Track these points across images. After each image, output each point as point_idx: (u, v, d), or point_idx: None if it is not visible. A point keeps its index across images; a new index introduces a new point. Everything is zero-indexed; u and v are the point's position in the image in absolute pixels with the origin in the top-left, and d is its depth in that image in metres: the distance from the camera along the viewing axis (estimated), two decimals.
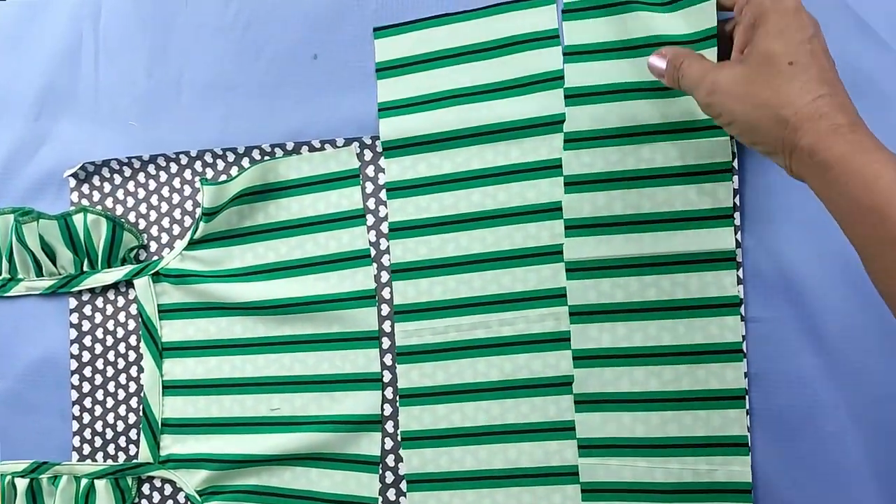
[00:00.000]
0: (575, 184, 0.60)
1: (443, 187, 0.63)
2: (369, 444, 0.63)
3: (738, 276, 0.57)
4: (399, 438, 0.63)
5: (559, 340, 0.60)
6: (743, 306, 0.58)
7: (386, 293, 0.64)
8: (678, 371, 0.58)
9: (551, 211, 0.61)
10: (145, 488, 0.68)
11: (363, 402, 0.64)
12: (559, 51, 0.61)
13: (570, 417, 0.60)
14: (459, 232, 0.62)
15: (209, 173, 0.68)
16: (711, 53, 0.56)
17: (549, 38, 0.61)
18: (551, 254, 0.61)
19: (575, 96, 0.60)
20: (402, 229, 0.64)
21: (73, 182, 0.71)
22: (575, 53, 0.61)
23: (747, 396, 0.57)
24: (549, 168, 0.61)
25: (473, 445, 0.62)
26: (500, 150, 0.62)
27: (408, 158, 0.64)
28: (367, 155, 0.65)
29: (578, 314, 0.60)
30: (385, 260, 0.64)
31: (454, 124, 0.62)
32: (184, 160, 0.69)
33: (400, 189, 0.64)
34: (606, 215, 0.60)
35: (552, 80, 0.61)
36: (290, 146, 0.66)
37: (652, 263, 0.59)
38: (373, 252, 0.64)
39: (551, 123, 0.61)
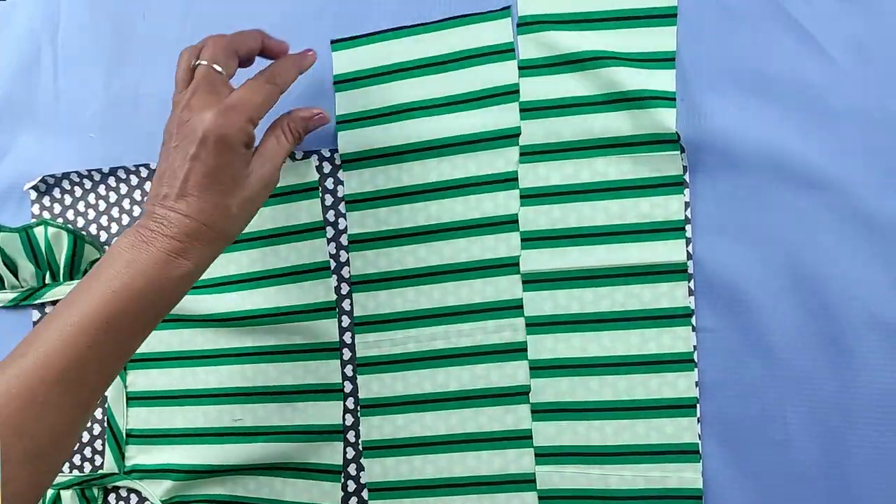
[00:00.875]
0: (530, 196, 0.61)
1: (401, 199, 0.63)
2: (331, 453, 0.64)
3: (689, 287, 0.59)
4: (360, 448, 0.64)
5: (516, 351, 0.61)
6: (694, 317, 0.59)
7: (346, 304, 0.65)
8: (632, 381, 0.59)
9: (508, 223, 0.62)
10: (111, 498, 0.68)
11: (325, 413, 0.64)
12: (515, 65, 0.62)
13: (527, 426, 0.61)
14: (418, 244, 0.63)
15: None
16: (669, 75, 0.57)
17: (504, 51, 0.62)
18: (508, 265, 0.62)
19: (530, 110, 0.61)
20: (362, 241, 0.64)
21: (33, 195, 0.71)
22: (530, 67, 0.61)
23: (698, 405, 0.59)
24: (506, 181, 0.62)
25: (433, 454, 0.63)
26: (457, 162, 0.63)
27: (366, 171, 0.64)
28: (326, 167, 0.65)
29: (535, 325, 0.61)
30: (345, 272, 0.65)
31: (412, 137, 0.63)
32: (144, 172, 0.69)
33: (359, 201, 0.64)
34: (561, 228, 0.60)
35: (508, 93, 0.62)
36: None
37: (606, 275, 0.60)
38: (333, 264, 0.65)
39: (507, 137, 0.62)
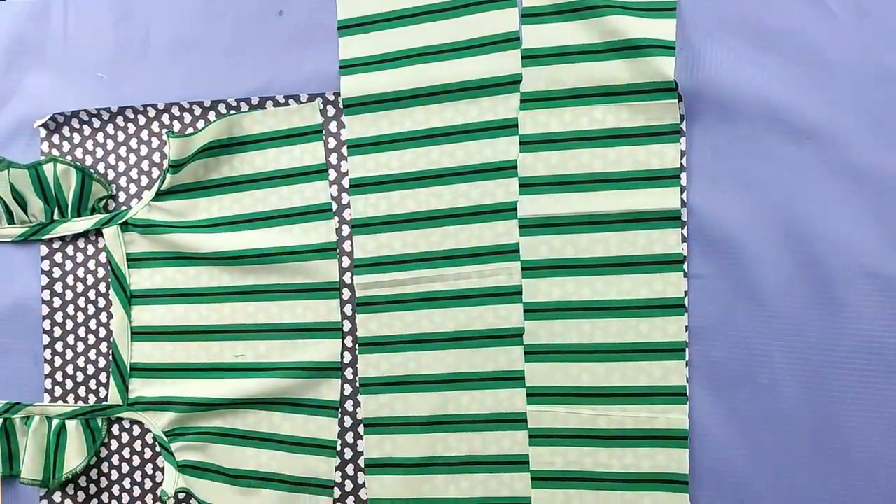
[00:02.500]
0: (530, 143, 0.62)
1: (403, 144, 0.65)
2: (328, 389, 0.66)
3: (682, 234, 0.60)
4: (357, 385, 0.66)
5: (511, 294, 0.63)
6: (686, 263, 0.60)
7: (347, 246, 0.66)
8: (624, 324, 0.61)
9: (507, 169, 0.63)
10: (115, 429, 0.70)
11: (324, 350, 0.66)
12: (516, 12, 0.63)
13: (520, 367, 0.63)
14: (418, 188, 0.64)
15: (176, 126, 0.69)
16: (670, 24, 0.58)
17: None
18: (506, 210, 0.63)
19: (532, 57, 0.62)
20: (363, 185, 0.65)
21: (43, 132, 0.72)
22: (532, 15, 0.62)
23: (687, 349, 0.60)
24: (507, 127, 0.63)
25: (428, 392, 0.64)
26: (459, 108, 0.64)
27: (369, 115, 0.65)
28: (330, 111, 0.66)
29: (530, 269, 0.62)
30: (346, 214, 0.66)
31: (415, 83, 0.64)
32: (151, 113, 0.70)
33: (361, 146, 0.65)
34: (560, 174, 0.62)
35: (510, 40, 0.63)
36: (254, 101, 0.68)
37: (601, 221, 0.61)
38: (334, 206, 0.66)
39: (508, 83, 0.63)
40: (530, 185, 0.62)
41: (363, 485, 0.65)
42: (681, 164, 0.60)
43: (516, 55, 0.62)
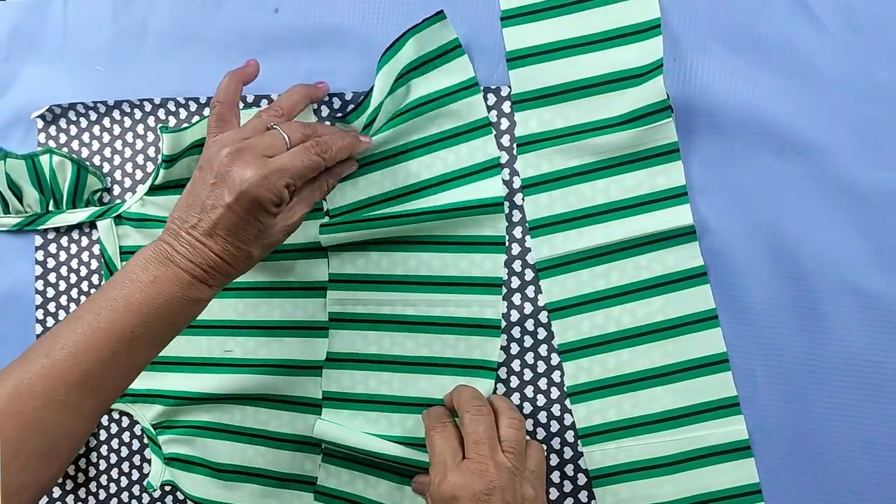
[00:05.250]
0: (531, 185, 0.63)
1: (395, 160, 0.65)
2: (315, 388, 0.67)
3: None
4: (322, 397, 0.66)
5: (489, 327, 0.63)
6: None
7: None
8: (663, 346, 0.61)
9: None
10: (104, 419, 0.71)
11: (311, 348, 0.67)
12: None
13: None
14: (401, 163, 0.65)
15: (171, 121, 0.70)
16: (657, 43, 0.58)
17: None
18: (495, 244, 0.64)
19: (521, 101, 0.62)
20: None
21: (40, 123, 0.73)
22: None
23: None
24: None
25: (389, 413, 0.65)
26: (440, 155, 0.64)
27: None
28: (324, 111, 0.67)
29: (556, 310, 0.62)
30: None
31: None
32: (147, 107, 0.70)
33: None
34: (569, 210, 0.62)
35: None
36: (250, 99, 0.68)
37: (621, 248, 0.61)
38: (325, 205, 0.67)
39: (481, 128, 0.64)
40: (539, 227, 0.63)
41: None
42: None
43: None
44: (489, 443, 0.54)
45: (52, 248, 0.72)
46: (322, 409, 0.66)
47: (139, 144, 0.71)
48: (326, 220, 0.66)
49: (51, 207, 0.72)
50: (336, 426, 0.64)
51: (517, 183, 0.63)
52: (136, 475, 0.71)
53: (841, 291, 0.58)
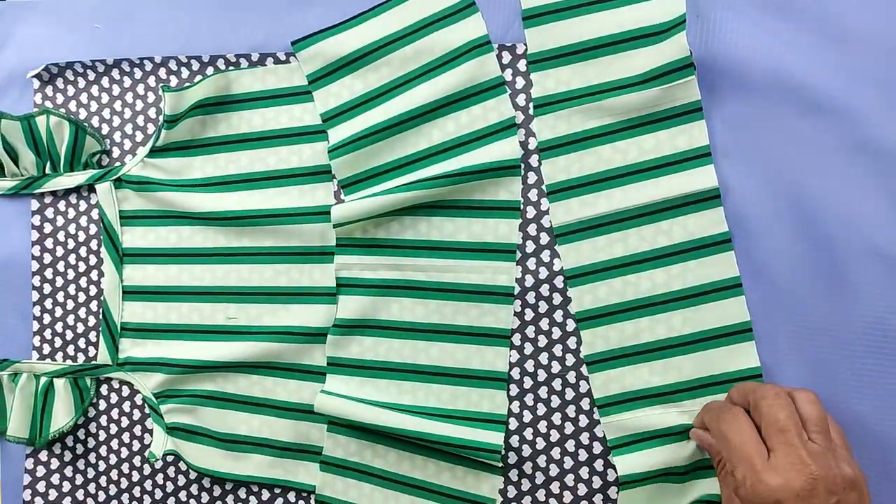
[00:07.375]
0: (548, 149, 0.61)
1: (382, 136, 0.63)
2: (321, 355, 0.65)
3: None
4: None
5: (503, 294, 0.61)
6: None
7: None
8: (683, 314, 0.59)
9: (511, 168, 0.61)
10: (103, 389, 0.69)
11: (316, 315, 0.65)
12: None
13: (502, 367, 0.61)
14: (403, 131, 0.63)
15: (173, 81, 0.68)
16: (681, 38, 0.56)
17: None
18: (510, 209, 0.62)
19: (537, 61, 0.61)
20: (347, 145, 0.63)
21: (36, 83, 0.70)
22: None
23: None
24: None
25: (400, 381, 0.63)
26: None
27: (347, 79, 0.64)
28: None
29: (574, 276, 0.60)
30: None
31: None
32: (148, 66, 0.68)
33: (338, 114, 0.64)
34: (587, 174, 0.60)
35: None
36: (255, 57, 0.66)
37: (642, 214, 0.59)
38: (334, 181, 0.65)
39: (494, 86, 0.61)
40: (557, 192, 0.61)
41: None
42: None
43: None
44: (795, 429, 0.48)
45: (49, 212, 0.70)
46: (326, 377, 0.64)
47: (139, 105, 0.68)
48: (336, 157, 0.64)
49: (48, 170, 0.69)
50: (338, 399, 0.62)
51: (532, 144, 0.61)
52: (136, 446, 0.69)
53: (865, 255, 0.56)
